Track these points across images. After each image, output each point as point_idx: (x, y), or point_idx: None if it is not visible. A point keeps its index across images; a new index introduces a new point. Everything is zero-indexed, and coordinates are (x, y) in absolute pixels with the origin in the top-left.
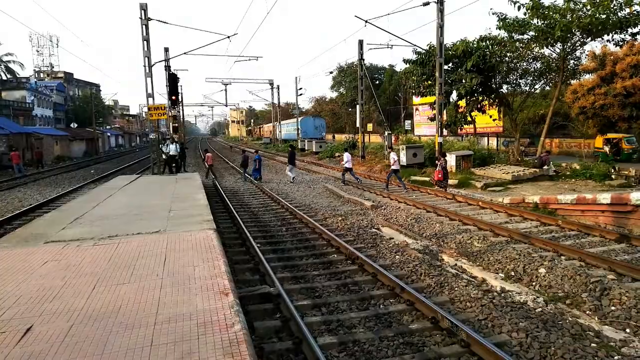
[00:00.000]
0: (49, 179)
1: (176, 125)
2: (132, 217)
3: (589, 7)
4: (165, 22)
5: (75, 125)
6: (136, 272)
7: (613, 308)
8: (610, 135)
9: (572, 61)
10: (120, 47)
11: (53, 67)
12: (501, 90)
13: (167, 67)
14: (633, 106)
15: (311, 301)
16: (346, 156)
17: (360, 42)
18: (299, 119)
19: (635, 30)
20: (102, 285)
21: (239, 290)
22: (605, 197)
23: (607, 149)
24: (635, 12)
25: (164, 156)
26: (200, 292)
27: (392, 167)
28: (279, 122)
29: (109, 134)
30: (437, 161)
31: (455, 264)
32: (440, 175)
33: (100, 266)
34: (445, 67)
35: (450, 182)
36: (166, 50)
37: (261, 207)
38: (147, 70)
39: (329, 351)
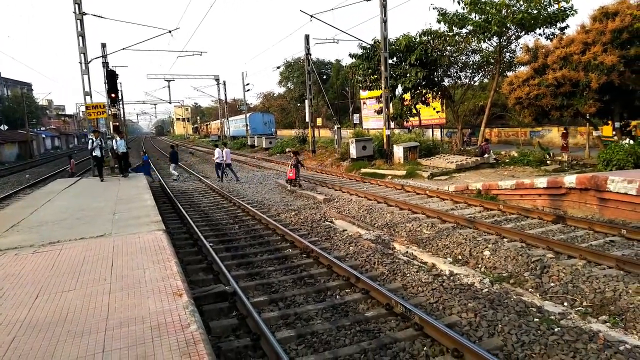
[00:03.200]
0: None
1: (117, 124)
2: (74, 221)
3: (522, 3)
4: (101, 17)
5: (6, 127)
6: (82, 278)
7: (552, 284)
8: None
9: (507, 54)
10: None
11: None
12: (443, 83)
13: (105, 64)
14: (563, 96)
15: (268, 297)
16: (217, 152)
17: (307, 37)
18: (248, 115)
19: (563, 24)
20: (45, 294)
21: (192, 290)
22: (542, 182)
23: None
24: (562, 8)
25: (94, 153)
26: (152, 294)
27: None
28: (227, 119)
29: (44, 135)
30: (290, 160)
31: (407, 251)
32: (292, 174)
33: (42, 274)
34: (390, 61)
35: (398, 172)
36: (103, 45)
37: (212, 205)
38: (84, 68)
39: (287, 345)
